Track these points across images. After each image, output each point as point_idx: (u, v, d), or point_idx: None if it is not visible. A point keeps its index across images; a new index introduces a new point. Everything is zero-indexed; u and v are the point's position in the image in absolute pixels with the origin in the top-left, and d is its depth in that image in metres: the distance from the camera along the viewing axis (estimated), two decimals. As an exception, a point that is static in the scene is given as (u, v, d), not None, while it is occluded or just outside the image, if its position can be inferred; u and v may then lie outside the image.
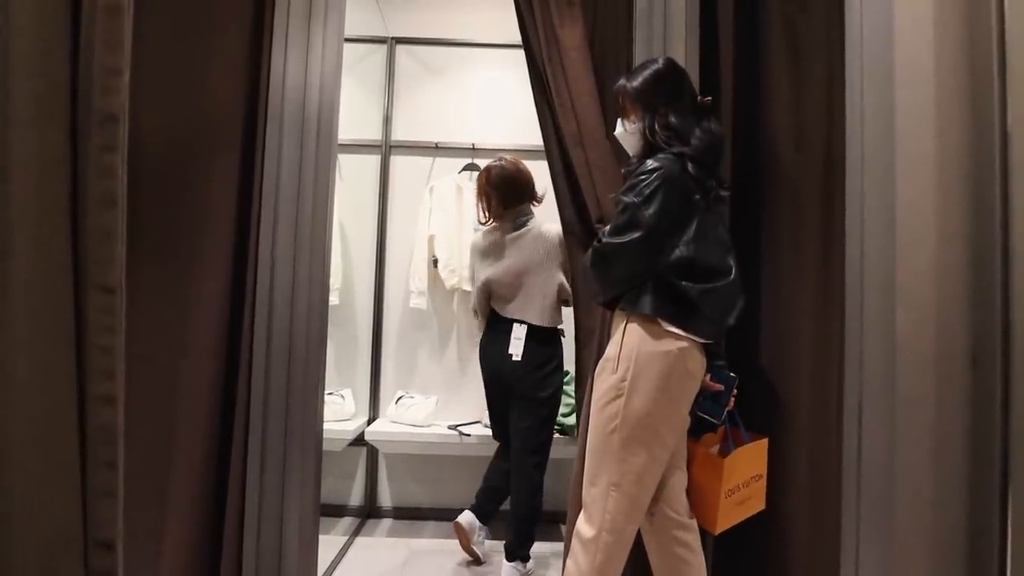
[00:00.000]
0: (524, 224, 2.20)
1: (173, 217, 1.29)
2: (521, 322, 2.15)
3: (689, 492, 1.50)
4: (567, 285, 2.15)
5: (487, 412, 2.37)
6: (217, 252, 1.49)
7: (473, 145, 2.90)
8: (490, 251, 2.22)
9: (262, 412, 1.59)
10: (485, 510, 2.30)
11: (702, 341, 1.37)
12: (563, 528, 2.18)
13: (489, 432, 2.46)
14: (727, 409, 1.47)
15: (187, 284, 1.36)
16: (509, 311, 2.17)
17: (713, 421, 1.47)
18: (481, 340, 2.30)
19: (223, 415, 1.54)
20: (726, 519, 1.46)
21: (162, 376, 1.29)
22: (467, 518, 2.27)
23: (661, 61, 1.51)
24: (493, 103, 2.99)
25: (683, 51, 1.68)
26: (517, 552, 2.15)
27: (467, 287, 2.64)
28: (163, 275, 1.27)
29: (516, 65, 2.60)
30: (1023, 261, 0.79)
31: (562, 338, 2.25)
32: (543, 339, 2.16)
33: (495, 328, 2.22)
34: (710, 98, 1.50)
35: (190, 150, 1.36)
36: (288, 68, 1.65)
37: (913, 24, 0.88)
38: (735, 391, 1.47)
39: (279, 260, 1.63)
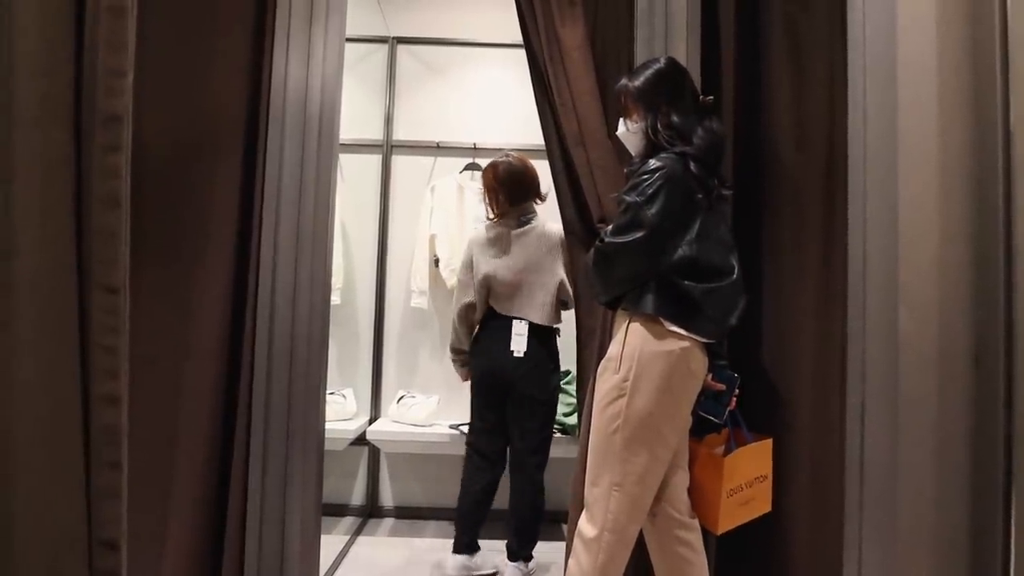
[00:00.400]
0: (528, 221, 2.19)
1: (176, 218, 1.30)
2: (521, 319, 2.14)
3: (691, 492, 1.50)
4: (568, 285, 2.15)
5: (474, 418, 2.24)
6: (219, 253, 1.49)
7: (474, 145, 2.90)
8: (493, 247, 2.20)
9: (264, 413, 1.59)
10: (472, 539, 2.21)
11: (704, 341, 1.37)
12: (564, 528, 2.18)
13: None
14: (729, 409, 1.47)
15: (190, 286, 1.37)
16: (509, 308, 2.16)
17: (715, 420, 1.47)
18: (475, 338, 2.24)
19: (225, 416, 1.54)
20: (728, 519, 1.46)
21: (165, 378, 1.29)
22: (458, 567, 2.18)
23: (663, 60, 1.51)
24: (494, 103, 2.99)
25: (684, 50, 1.68)
26: (520, 552, 2.16)
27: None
28: (166, 276, 1.27)
29: (517, 65, 2.61)
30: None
31: (558, 338, 2.24)
32: (542, 338, 2.16)
33: (491, 326, 2.19)
34: (712, 97, 1.50)
35: (193, 151, 1.37)
36: (289, 69, 1.65)
37: (916, 23, 0.88)
38: (737, 391, 1.47)
39: (281, 261, 1.63)
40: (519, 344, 2.11)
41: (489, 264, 2.18)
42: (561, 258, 2.16)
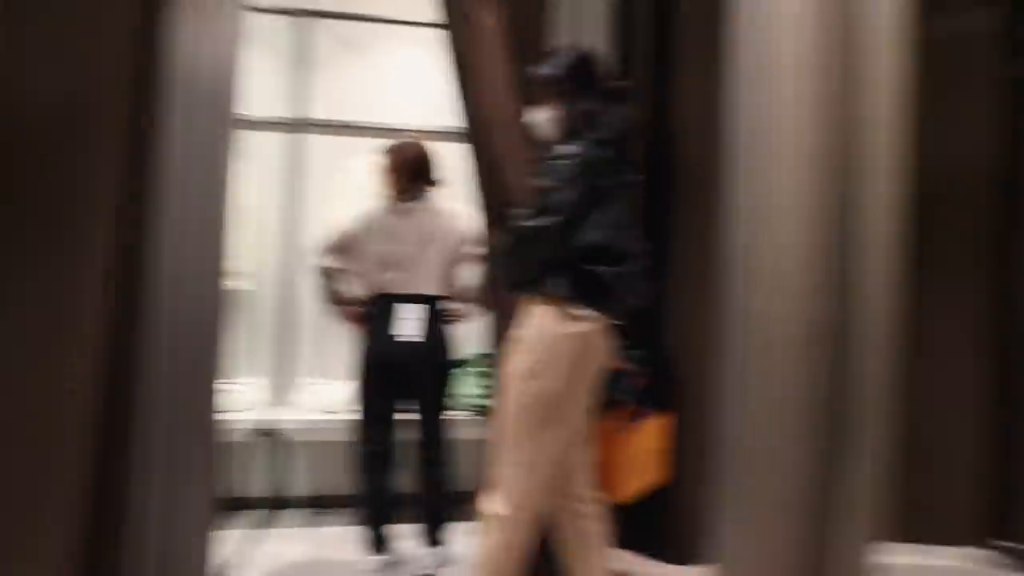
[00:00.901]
0: (421, 199, 2.17)
1: (46, 200, 1.17)
2: (416, 298, 2.11)
3: (596, 467, 1.56)
4: (466, 262, 2.15)
5: (365, 411, 2.16)
6: (98, 236, 1.36)
7: (388, 126, 2.82)
8: (385, 224, 2.15)
9: (151, 403, 1.48)
10: (386, 535, 2.16)
11: (612, 323, 1.42)
12: (474, 508, 2.20)
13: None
14: (636, 388, 1.54)
15: (67, 271, 1.24)
16: (403, 286, 2.12)
17: (623, 400, 1.54)
18: (369, 322, 2.16)
19: (108, 410, 1.42)
20: (631, 492, 1.53)
21: (36, 374, 1.17)
22: (379, 566, 2.13)
23: (576, 48, 1.53)
24: (410, 83, 2.93)
25: (598, 38, 1.72)
26: (434, 537, 2.16)
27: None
28: (38, 263, 1.15)
29: (435, 45, 2.56)
30: (874, 249, 0.88)
31: (453, 321, 2.22)
32: (436, 319, 2.13)
33: (383, 309, 2.12)
34: (624, 84, 1.54)
35: (69, 124, 1.24)
36: (181, 36, 1.52)
37: (792, 30, 0.95)
38: (644, 371, 1.54)
39: (171, 245, 1.51)
40: (413, 327, 2.08)
41: (379, 242, 2.13)
42: (455, 236, 2.15)
